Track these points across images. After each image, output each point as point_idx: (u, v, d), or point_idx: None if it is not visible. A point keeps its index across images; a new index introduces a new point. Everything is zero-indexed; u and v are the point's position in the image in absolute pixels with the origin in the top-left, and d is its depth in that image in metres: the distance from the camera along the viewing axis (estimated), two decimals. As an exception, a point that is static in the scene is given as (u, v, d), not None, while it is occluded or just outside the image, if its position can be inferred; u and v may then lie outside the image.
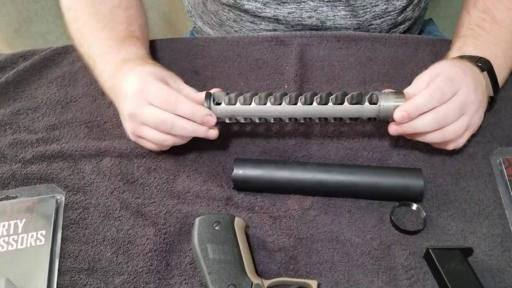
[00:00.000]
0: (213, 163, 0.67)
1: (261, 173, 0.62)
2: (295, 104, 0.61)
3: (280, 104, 0.61)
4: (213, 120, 0.60)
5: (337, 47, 0.79)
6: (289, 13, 0.79)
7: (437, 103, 0.58)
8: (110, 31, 0.69)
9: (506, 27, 0.69)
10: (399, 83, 0.73)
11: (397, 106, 0.59)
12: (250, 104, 0.61)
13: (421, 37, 0.82)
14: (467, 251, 0.56)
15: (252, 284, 0.53)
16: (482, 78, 0.63)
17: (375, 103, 0.60)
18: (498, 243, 0.58)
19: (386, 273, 0.56)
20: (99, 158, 0.67)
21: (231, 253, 0.54)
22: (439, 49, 0.76)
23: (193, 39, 0.85)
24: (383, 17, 0.81)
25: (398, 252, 0.58)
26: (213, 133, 0.61)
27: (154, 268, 0.57)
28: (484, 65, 0.63)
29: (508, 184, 0.62)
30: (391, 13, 0.80)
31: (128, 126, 0.63)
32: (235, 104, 0.61)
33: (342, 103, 0.60)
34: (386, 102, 0.60)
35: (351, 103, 0.60)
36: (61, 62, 0.80)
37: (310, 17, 0.79)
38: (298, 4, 0.78)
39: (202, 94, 0.63)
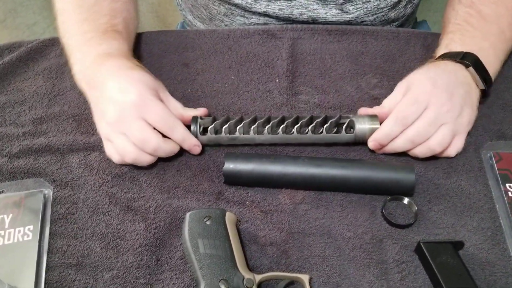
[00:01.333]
0: (203, 157, 0.66)
1: (252, 167, 0.61)
2: (276, 133, 0.64)
3: (262, 133, 0.64)
4: (199, 150, 0.64)
5: (329, 41, 0.79)
6: (280, 9, 0.79)
7: (403, 127, 0.61)
8: (91, 23, 0.68)
9: (492, 21, 0.69)
10: (391, 76, 0.73)
11: (371, 128, 0.63)
12: (234, 133, 0.64)
13: (412, 30, 0.82)
14: (458, 245, 0.56)
15: (243, 278, 0.52)
16: (467, 75, 0.64)
17: (352, 128, 0.64)
18: (488, 236, 0.58)
19: (378, 267, 0.56)
20: (87, 152, 0.66)
21: (222, 248, 0.54)
22: (431, 43, 0.76)
23: (183, 32, 0.84)
24: (375, 14, 0.80)
25: (390, 246, 0.58)
26: (197, 149, 0.64)
27: (144, 263, 0.57)
28: (469, 60, 0.64)
29: (499, 178, 0.62)
30: (383, 9, 0.80)
31: (104, 128, 0.62)
32: (220, 134, 0.64)
33: (320, 132, 0.64)
34: (361, 125, 0.64)
35: (328, 133, 0.64)
36: (48, 54, 0.78)
37: (301, 14, 0.79)
38: (289, 2, 0.78)
39: (188, 111, 0.65)
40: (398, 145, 0.62)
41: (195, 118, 0.65)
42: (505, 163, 0.63)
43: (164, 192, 0.62)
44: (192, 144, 0.63)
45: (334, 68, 0.76)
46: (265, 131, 0.64)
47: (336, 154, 0.66)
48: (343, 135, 0.64)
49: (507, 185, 0.61)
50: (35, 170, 0.64)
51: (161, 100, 0.63)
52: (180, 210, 0.61)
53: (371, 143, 0.63)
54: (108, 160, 0.65)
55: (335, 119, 0.64)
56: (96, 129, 0.68)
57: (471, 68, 0.64)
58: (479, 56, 0.64)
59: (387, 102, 0.65)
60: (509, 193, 0.61)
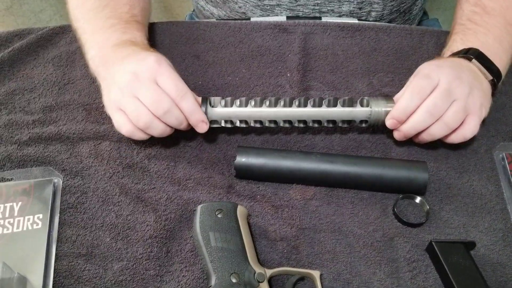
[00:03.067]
0: (214, 150, 0.66)
1: (264, 162, 0.61)
2: (290, 106, 0.62)
3: (275, 107, 0.62)
4: (205, 128, 0.61)
5: (341, 36, 0.78)
6: None
7: (419, 100, 0.59)
8: (112, 10, 0.68)
9: (497, 15, 0.69)
10: (403, 74, 0.73)
11: (387, 111, 0.62)
12: (246, 106, 0.62)
13: (425, 28, 0.81)
14: (470, 245, 0.56)
15: (254, 273, 0.52)
16: (471, 65, 0.63)
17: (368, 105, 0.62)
18: (499, 237, 0.58)
19: (388, 265, 0.56)
20: (97, 141, 0.66)
21: (234, 242, 0.54)
22: (444, 41, 0.75)
23: (194, 23, 0.83)
24: None
25: (401, 245, 0.58)
26: (204, 126, 0.61)
27: (154, 254, 0.56)
28: (471, 54, 0.64)
29: (511, 178, 0.62)
30: None
31: (114, 95, 0.59)
32: (231, 106, 0.62)
33: (335, 106, 0.62)
34: (376, 107, 0.62)
35: (343, 106, 0.62)
36: (58, 42, 0.77)
37: None
38: None
39: (199, 99, 0.63)
40: (417, 119, 0.59)
41: (205, 98, 0.62)
42: (518, 164, 0.63)
43: (175, 184, 0.62)
44: (200, 119, 0.61)
45: (346, 64, 0.75)
46: (279, 106, 0.62)
47: (348, 150, 0.66)
48: (359, 110, 0.62)
49: (519, 186, 0.61)
50: (45, 159, 0.64)
51: None
52: (191, 203, 0.60)
53: (389, 121, 0.61)
54: (119, 150, 0.65)
55: (348, 97, 0.63)
56: (106, 119, 0.67)
57: (474, 60, 0.64)
58: (482, 50, 0.64)
59: (401, 92, 0.64)
60: (521, 194, 0.60)
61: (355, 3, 0.80)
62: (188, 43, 0.78)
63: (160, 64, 0.59)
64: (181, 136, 0.66)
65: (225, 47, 0.77)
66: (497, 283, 0.55)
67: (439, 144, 0.65)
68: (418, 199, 0.61)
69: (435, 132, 0.60)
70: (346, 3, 0.80)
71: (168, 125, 0.60)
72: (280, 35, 0.79)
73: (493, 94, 0.64)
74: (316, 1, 0.80)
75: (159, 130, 0.60)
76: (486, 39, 0.67)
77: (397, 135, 0.63)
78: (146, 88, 0.58)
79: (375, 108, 0.62)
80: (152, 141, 0.66)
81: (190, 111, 0.60)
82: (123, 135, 0.65)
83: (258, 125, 0.64)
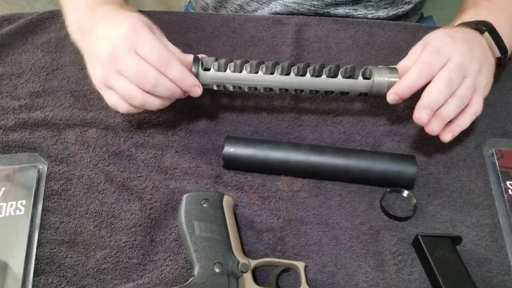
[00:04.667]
0: (202, 140, 0.65)
1: (252, 152, 0.60)
2: (288, 74, 0.59)
3: (272, 73, 0.59)
4: (199, 91, 0.58)
5: (335, 29, 0.78)
6: None
7: (428, 78, 0.56)
8: None
9: None
10: (396, 69, 0.72)
11: (390, 82, 0.59)
12: (241, 71, 0.59)
13: (419, 24, 0.81)
14: (456, 240, 0.55)
15: (238, 263, 0.52)
16: (482, 40, 0.61)
17: (368, 78, 0.60)
18: (486, 233, 0.58)
19: (374, 258, 0.56)
20: (84, 128, 0.65)
21: (219, 232, 0.53)
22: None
23: (187, 13, 0.83)
24: None
25: (387, 238, 0.57)
26: (198, 90, 0.58)
27: (138, 243, 0.56)
28: (483, 26, 0.62)
29: (500, 175, 0.61)
30: None
31: (99, 73, 0.56)
32: (224, 71, 0.59)
33: (335, 76, 0.59)
34: (379, 77, 0.59)
35: (344, 77, 0.59)
36: (48, 27, 0.76)
37: None
38: None
39: (188, 57, 0.59)
40: (435, 92, 0.55)
41: (196, 58, 0.59)
42: (507, 160, 0.63)
43: (162, 173, 0.61)
44: (191, 84, 0.57)
45: (339, 57, 0.75)
46: (276, 72, 0.59)
47: (337, 143, 0.65)
48: (360, 82, 0.59)
49: (508, 182, 0.61)
50: (30, 145, 0.63)
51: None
52: (177, 192, 0.60)
53: (390, 97, 0.58)
54: (106, 138, 0.64)
55: (350, 66, 0.59)
56: (93, 106, 0.66)
57: (486, 34, 0.61)
58: (494, 26, 0.62)
59: (405, 62, 0.61)
60: (509, 190, 0.60)
61: (350, 4, 0.79)
62: (180, 32, 0.77)
63: (137, 29, 0.55)
64: (169, 125, 0.65)
65: (218, 36, 0.77)
66: (482, 278, 0.54)
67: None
68: (405, 193, 0.60)
69: (452, 109, 0.56)
70: (342, 5, 0.79)
71: (163, 97, 0.57)
72: (274, 26, 0.78)
73: (495, 74, 0.62)
74: (312, 2, 0.79)
75: (156, 105, 0.57)
76: (499, 16, 0.65)
77: (416, 114, 0.56)
78: (127, 63, 0.54)
79: (377, 78, 0.59)
80: (140, 129, 0.65)
81: (179, 78, 0.56)
82: (110, 123, 0.65)
83: (252, 91, 0.62)
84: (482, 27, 0.62)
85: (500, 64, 0.63)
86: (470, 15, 0.66)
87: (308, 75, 0.59)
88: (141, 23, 0.57)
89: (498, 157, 0.63)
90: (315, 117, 0.67)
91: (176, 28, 0.77)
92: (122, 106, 0.58)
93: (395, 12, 0.82)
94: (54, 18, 0.77)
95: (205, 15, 0.80)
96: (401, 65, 0.61)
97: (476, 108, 0.58)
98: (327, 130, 0.66)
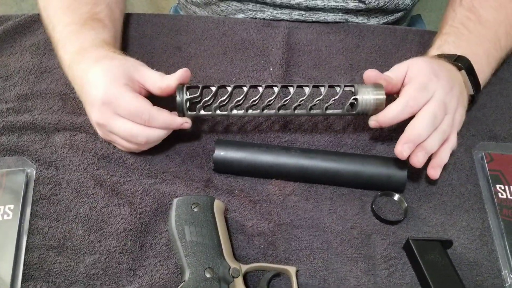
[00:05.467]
0: (193, 143, 0.65)
1: (243, 156, 0.60)
2: (271, 110, 0.59)
3: (255, 110, 0.59)
4: (189, 126, 0.60)
5: (325, 32, 0.78)
6: None
7: (411, 113, 0.57)
8: (72, 13, 0.65)
9: (490, 27, 0.68)
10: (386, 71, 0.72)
11: (376, 99, 0.58)
12: (225, 111, 0.59)
13: (409, 28, 0.81)
14: (447, 243, 0.56)
15: (229, 268, 0.51)
16: (460, 77, 0.62)
17: (355, 100, 0.58)
18: (477, 236, 0.58)
19: (365, 262, 0.56)
20: (73, 132, 0.64)
21: (209, 236, 0.53)
22: (427, 40, 0.76)
23: (177, 16, 0.82)
24: (372, 10, 0.79)
25: (378, 242, 0.57)
26: (187, 126, 0.60)
27: (128, 248, 0.55)
28: (462, 63, 0.63)
29: (489, 178, 0.62)
30: (381, 8, 0.79)
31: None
32: (209, 112, 0.59)
33: (319, 110, 0.59)
34: (365, 95, 0.58)
35: (328, 109, 0.59)
36: (36, 30, 0.76)
37: (298, 4, 0.77)
38: None
39: (168, 80, 0.58)
40: (422, 126, 0.56)
41: (180, 89, 0.58)
42: (496, 164, 0.63)
43: (152, 176, 0.61)
44: (179, 124, 0.59)
45: (329, 60, 0.75)
46: (260, 108, 0.59)
47: (328, 146, 0.65)
48: (345, 112, 0.59)
49: (497, 186, 0.61)
50: (18, 148, 0.62)
51: (137, 81, 0.58)
52: (167, 196, 0.59)
53: (372, 122, 0.59)
54: (95, 141, 0.63)
55: (338, 93, 0.58)
56: (83, 109, 0.65)
57: (463, 71, 0.63)
58: (471, 61, 0.63)
59: (392, 75, 0.60)
60: (499, 194, 0.60)
61: (340, 14, 0.79)
62: (170, 34, 0.77)
63: (111, 94, 0.56)
64: (159, 129, 0.65)
65: (208, 39, 0.76)
66: (473, 282, 0.54)
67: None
68: (396, 197, 0.60)
69: (434, 143, 0.57)
70: (332, 14, 0.79)
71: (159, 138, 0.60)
72: (264, 29, 0.78)
73: (467, 110, 0.64)
74: (300, 12, 0.79)
75: (156, 140, 0.60)
76: (477, 50, 0.66)
77: (398, 147, 0.56)
78: (116, 127, 0.57)
79: (363, 96, 0.58)
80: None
81: (165, 126, 0.58)
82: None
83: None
84: (460, 64, 0.63)
85: (472, 101, 0.65)
86: (449, 46, 0.66)
87: (291, 110, 0.59)
88: (114, 82, 0.57)
89: (488, 161, 0.63)
90: (306, 120, 0.67)
91: (166, 31, 0.77)
92: (131, 148, 0.61)
93: (385, 20, 0.83)
94: (42, 22, 0.75)
95: (196, 18, 0.80)
96: (388, 74, 0.60)
97: (453, 143, 0.59)
98: (317, 134, 0.66)
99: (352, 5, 0.77)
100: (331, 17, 0.79)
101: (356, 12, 0.79)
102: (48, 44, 0.73)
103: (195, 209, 0.54)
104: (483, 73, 0.66)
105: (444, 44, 0.67)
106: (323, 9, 0.78)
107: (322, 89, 0.59)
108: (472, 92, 0.64)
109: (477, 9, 0.69)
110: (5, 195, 0.58)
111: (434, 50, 0.67)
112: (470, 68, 0.63)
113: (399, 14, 0.84)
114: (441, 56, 0.65)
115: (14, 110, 0.66)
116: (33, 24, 0.76)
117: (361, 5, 0.77)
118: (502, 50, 0.69)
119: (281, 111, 0.59)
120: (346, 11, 0.79)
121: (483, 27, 0.68)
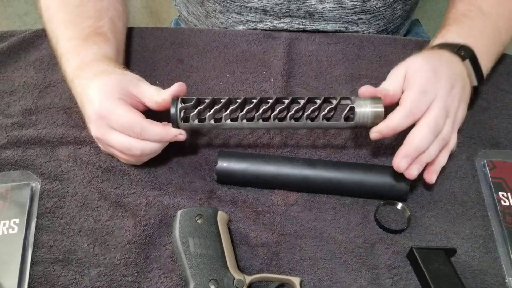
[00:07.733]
0: (195, 155, 0.65)
1: (246, 167, 0.61)
2: (267, 120, 0.58)
3: (251, 120, 0.58)
4: (183, 138, 0.59)
5: (326, 43, 0.78)
6: (277, 4, 0.78)
7: (413, 121, 0.56)
8: (75, 27, 0.66)
9: (490, 19, 0.68)
10: (387, 82, 0.73)
11: (373, 113, 0.57)
12: (220, 121, 0.59)
13: (409, 38, 0.82)
14: (451, 252, 0.56)
15: (234, 279, 0.51)
16: (463, 68, 0.61)
17: (352, 113, 0.58)
18: (480, 244, 0.58)
19: (369, 271, 0.56)
20: (77, 146, 0.65)
21: (213, 248, 0.53)
22: (427, 50, 0.76)
23: (179, 29, 0.83)
24: (372, 13, 0.80)
25: (382, 251, 0.57)
26: (182, 138, 0.59)
27: (132, 260, 0.55)
28: (466, 53, 0.62)
29: (492, 186, 0.62)
30: (380, 9, 0.80)
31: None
32: (203, 122, 0.59)
33: (317, 120, 0.58)
34: (362, 108, 0.57)
35: (325, 119, 0.58)
36: (40, 45, 0.77)
37: (298, 9, 0.78)
38: None
39: (164, 94, 0.59)
40: (421, 136, 0.55)
41: (174, 101, 0.58)
42: (499, 171, 0.63)
43: (155, 188, 0.61)
44: (173, 136, 0.58)
45: (330, 71, 0.75)
46: (255, 119, 0.58)
47: (331, 156, 0.65)
48: (342, 123, 0.58)
49: (500, 193, 0.61)
50: (23, 162, 0.63)
51: (134, 96, 0.59)
52: (171, 208, 0.60)
53: (373, 134, 0.57)
54: (99, 154, 0.64)
55: (334, 104, 0.58)
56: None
57: (467, 61, 0.62)
58: (474, 51, 0.62)
59: (389, 86, 0.59)
60: (502, 201, 0.61)
61: (340, 22, 0.80)
62: (172, 47, 0.77)
63: (105, 108, 0.57)
64: (162, 141, 0.65)
65: (210, 51, 0.77)
66: (477, 290, 0.55)
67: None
68: (399, 205, 0.60)
69: (431, 154, 0.57)
70: (332, 22, 0.80)
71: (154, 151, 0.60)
72: (265, 41, 0.79)
73: (470, 102, 0.63)
74: (300, 20, 0.80)
75: (151, 156, 0.61)
76: (479, 41, 0.65)
77: (396, 161, 0.56)
78: (112, 141, 0.58)
79: (360, 109, 0.57)
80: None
81: (159, 138, 0.58)
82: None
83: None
84: (464, 53, 0.62)
85: (475, 92, 0.64)
86: (452, 34, 0.65)
87: (288, 119, 0.58)
88: (109, 96, 0.57)
89: (490, 168, 0.64)
90: (308, 130, 0.68)
91: (168, 44, 0.78)
92: (129, 160, 0.62)
93: (384, 27, 0.83)
94: (46, 36, 0.76)
95: (197, 31, 0.81)
96: (385, 85, 0.60)
97: (453, 144, 0.59)
98: (319, 144, 0.67)
99: (350, 4, 0.77)
100: (331, 25, 0.80)
101: (356, 20, 0.80)
102: (52, 59, 0.74)
103: (199, 221, 0.54)
104: (485, 66, 0.64)
105: (447, 33, 0.66)
106: (323, 16, 0.79)
107: (318, 102, 0.58)
108: (475, 83, 0.63)
109: (478, 3, 0.69)
110: (11, 209, 0.58)
111: (438, 40, 0.66)
112: (474, 57, 0.62)
113: (399, 20, 0.85)
114: (444, 45, 0.63)
115: (19, 125, 0.67)
116: (36, 39, 0.77)
117: (359, 3, 0.77)
118: (501, 44, 0.69)
119: (276, 122, 0.58)
120: (347, 19, 0.79)
121: (485, 19, 0.68)
